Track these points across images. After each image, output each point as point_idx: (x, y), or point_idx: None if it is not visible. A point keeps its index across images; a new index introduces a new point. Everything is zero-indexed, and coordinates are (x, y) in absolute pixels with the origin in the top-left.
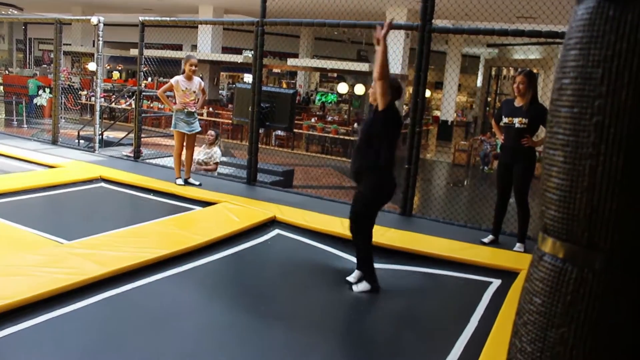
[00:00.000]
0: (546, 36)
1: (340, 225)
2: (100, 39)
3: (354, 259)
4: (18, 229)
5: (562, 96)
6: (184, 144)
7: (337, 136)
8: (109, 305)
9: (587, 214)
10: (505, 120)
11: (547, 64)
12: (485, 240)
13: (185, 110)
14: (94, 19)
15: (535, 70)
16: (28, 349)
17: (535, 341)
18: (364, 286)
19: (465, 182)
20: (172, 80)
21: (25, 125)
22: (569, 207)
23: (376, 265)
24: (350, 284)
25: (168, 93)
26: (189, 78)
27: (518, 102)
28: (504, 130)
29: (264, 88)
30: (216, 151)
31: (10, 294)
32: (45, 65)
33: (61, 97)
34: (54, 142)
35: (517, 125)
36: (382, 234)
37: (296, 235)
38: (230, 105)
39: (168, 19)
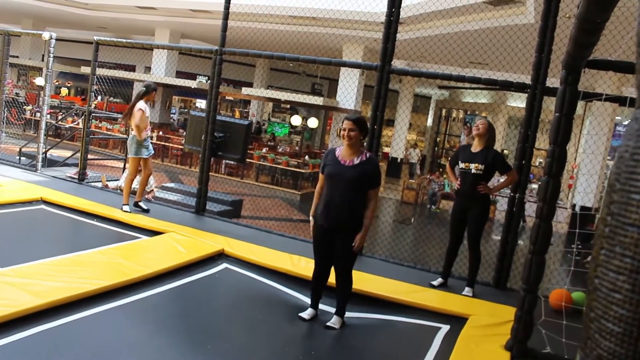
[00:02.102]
0: (501, 85)
1: (290, 262)
2: (51, 55)
3: (302, 297)
4: None
5: (629, 213)
6: (140, 168)
7: (287, 168)
8: (44, 339)
9: None
10: (461, 165)
11: (494, 110)
12: (435, 283)
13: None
14: (45, 35)
15: (484, 114)
16: None
17: None
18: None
19: (413, 220)
20: (143, 107)
21: None
22: (636, 345)
23: (325, 309)
24: (331, 328)
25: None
26: (151, 105)
27: (475, 148)
28: (460, 175)
29: (218, 117)
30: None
31: None
32: None
33: (4, 111)
34: None
35: (473, 170)
36: (331, 275)
37: (244, 270)
38: (181, 130)
39: (124, 40)
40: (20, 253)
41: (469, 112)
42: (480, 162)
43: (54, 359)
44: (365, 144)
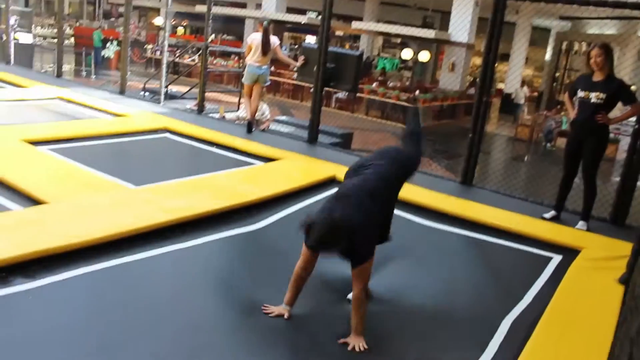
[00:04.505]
0: (631, 7)
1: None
2: None
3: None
4: (88, 172)
5: None
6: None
7: (398, 102)
8: (176, 256)
9: None
10: (581, 94)
11: (624, 40)
12: (547, 215)
13: None
14: None
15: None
16: (101, 290)
17: None
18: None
19: (527, 158)
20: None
21: (93, 76)
22: None
23: (436, 226)
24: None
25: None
26: None
27: (596, 77)
28: (579, 105)
29: (330, 49)
30: (265, 107)
31: (83, 233)
32: (113, 19)
33: (128, 50)
34: (122, 92)
35: (593, 100)
36: (442, 200)
37: None
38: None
39: None
40: (150, 175)
41: (593, 43)
42: (601, 90)
43: (187, 275)
44: (475, 79)
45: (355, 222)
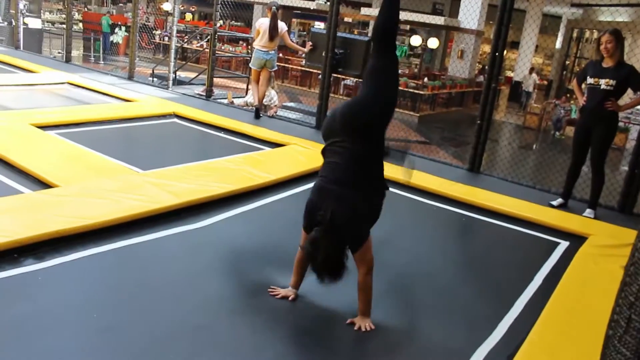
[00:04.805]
0: None
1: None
2: None
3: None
4: (97, 156)
5: None
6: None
7: (406, 89)
8: (184, 238)
9: None
10: (590, 81)
11: (635, 27)
12: (554, 203)
13: None
14: None
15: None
16: (109, 271)
17: None
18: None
19: (535, 146)
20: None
21: (102, 62)
22: None
23: (443, 207)
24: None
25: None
26: None
27: (606, 63)
28: (588, 91)
29: (339, 34)
30: (273, 93)
31: (92, 215)
32: (121, 4)
33: (137, 36)
34: (130, 77)
35: (603, 86)
36: (449, 187)
37: None
38: (300, 52)
39: None
40: (158, 159)
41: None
42: (611, 77)
43: (194, 256)
44: (484, 66)
45: (337, 216)
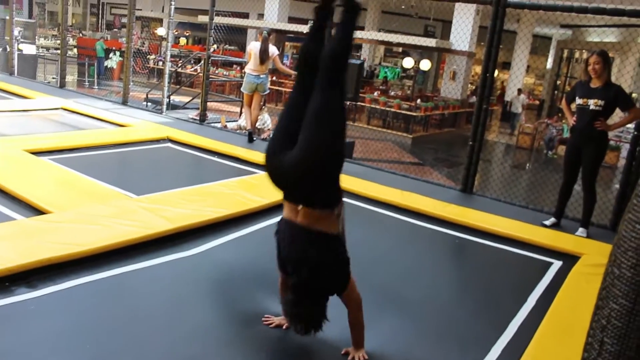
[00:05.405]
0: (630, 15)
1: (400, 196)
2: (173, 3)
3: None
4: (91, 181)
5: None
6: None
7: (399, 111)
8: (178, 265)
9: None
10: (579, 101)
11: (622, 48)
12: (547, 222)
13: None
14: None
15: (610, 55)
16: (102, 300)
17: None
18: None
19: (528, 166)
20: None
21: (96, 87)
22: None
23: (436, 229)
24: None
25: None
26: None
27: (594, 84)
28: (577, 112)
29: None
30: (267, 117)
31: (86, 242)
32: (116, 30)
33: (131, 61)
34: (124, 102)
35: (592, 107)
36: (443, 208)
37: (357, 202)
38: (293, 75)
39: None
40: (152, 184)
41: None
42: (599, 97)
43: (188, 284)
44: (476, 87)
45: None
